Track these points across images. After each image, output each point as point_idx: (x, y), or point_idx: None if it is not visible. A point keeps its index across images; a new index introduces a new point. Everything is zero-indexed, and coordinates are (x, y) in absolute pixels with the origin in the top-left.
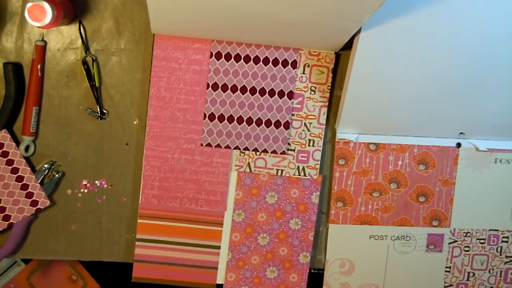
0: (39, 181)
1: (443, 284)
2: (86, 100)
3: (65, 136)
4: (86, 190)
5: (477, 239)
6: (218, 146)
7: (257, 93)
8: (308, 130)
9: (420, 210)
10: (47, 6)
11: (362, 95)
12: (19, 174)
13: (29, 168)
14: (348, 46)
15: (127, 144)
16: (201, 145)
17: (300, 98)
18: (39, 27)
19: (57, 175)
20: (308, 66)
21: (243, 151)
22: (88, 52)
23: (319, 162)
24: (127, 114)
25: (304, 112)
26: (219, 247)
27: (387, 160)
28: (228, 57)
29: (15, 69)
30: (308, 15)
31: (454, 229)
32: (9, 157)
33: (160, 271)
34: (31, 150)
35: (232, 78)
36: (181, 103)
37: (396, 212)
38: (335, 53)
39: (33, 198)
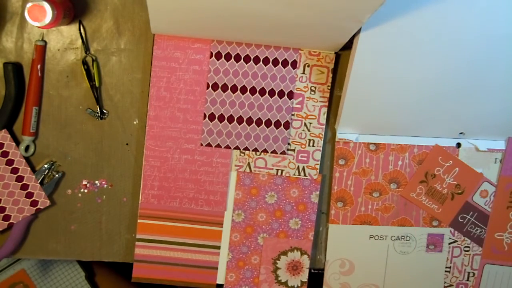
0: (39, 181)
1: (443, 284)
2: (86, 100)
3: (65, 136)
4: (86, 190)
5: None
6: (218, 146)
7: (257, 93)
8: (308, 130)
9: (420, 210)
10: (47, 6)
11: (362, 95)
12: (19, 174)
13: (29, 168)
14: (348, 46)
15: (127, 144)
16: (201, 145)
17: (300, 98)
18: (39, 27)
19: (57, 175)
20: (308, 66)
21: (243, 151)
22: (88, 52)
23: (319, 162)
24: (127, 114)
25: (304, 112)
26: (219, 247)
27: (387, 160)
28: (228, 57)
29: (15, 69)
30: (308, 15)
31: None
32: (9, 157)
33: (160, 271)
34: (31, 150)
35: (232, 78)
36: (181, 103)
37: (396, 212)
38: (335, 53)
39: (33, 198)
